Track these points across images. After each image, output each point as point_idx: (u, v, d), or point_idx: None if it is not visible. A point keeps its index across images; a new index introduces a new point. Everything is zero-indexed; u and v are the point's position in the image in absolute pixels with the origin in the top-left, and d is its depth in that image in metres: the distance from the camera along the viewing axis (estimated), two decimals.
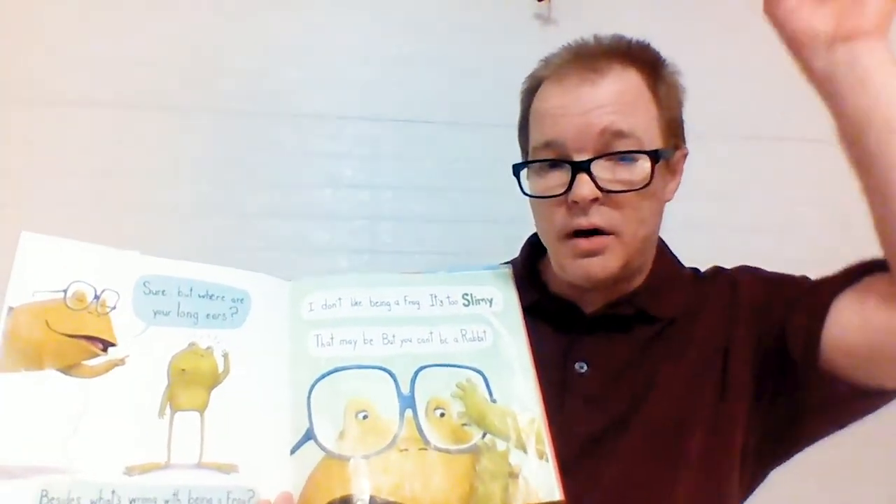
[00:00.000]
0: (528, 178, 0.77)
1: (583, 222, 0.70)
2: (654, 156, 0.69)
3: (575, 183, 0.69)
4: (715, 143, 1.71)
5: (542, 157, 0.73)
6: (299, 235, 1.65)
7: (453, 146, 1.68)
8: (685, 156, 0.77)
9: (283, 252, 1.64)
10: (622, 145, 0.69)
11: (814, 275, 0.74)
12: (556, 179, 0.71)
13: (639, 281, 0.78)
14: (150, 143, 1.60)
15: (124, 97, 1.59)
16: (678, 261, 0.84)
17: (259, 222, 1.63)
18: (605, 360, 0.75)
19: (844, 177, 0.63)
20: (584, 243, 0.71)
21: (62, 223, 1.54)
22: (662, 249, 0.83)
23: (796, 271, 0.76)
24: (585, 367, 0.75)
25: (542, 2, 1.70)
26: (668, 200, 0.76)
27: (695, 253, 0.85)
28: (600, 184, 0.68)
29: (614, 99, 0.69)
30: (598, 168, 0.69)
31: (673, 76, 0.76)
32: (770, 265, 1.86)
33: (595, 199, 0.69)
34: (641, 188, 0.68)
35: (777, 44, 0.62)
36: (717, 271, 0.82)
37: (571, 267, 0.73)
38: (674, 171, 0.76)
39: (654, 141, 0.71)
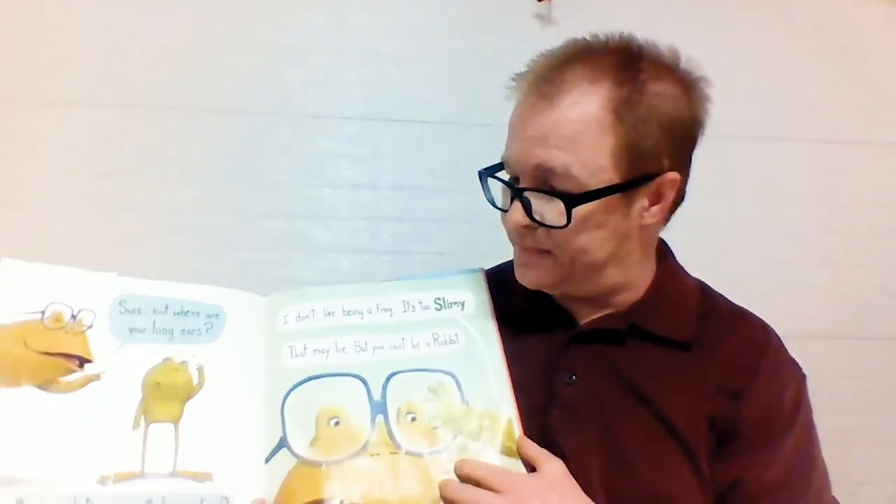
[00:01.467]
0: None
1: (518, 242, 0.73)
2: (571, 202, 0.66)
3: (510, 208, 0.70)
4: (713, 142, 1.71)
5: (499, 173, 0.75)
6: (299, 235, 1.65)
7: (453, 146, 1.68)
8: (674, 181, 0.70)
9: (283, 252, 1.64)
10: (554, 181, 0.67)
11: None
12: (505, 196, 0.73)
13: (636, 294, 0.76)
14: (150, 143, 1.60)
15: (124, 97, 1.59)
16: (685, 273, 0.81)
17: (259, 222, 1.64)
18: (594, 372, 0.73)
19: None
20: (523, 254, 0.73)
21: (62, 223, 1.55)
22: (666, 260, 0.80)
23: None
24: (574, 378, 0.73)
25: (542, 2, 1.70)
26: (649, 224, 0.72)
27: (694, 253, 0.85)
28: (532, 213, 0.68)
29: (559, 131, 0.66)
30: (534, 197, 0.68)
31: (662, 93, 0.67)
32: (769, 265, 1.86)
33: (527, 226, 0.69)
34: (561, 227, 0.67)
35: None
36: (749, 319, 0.78)
37: (517, 272, 0.75)
38: (657, 196, 0.70)
39: (603, 176, 0.66)
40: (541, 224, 0.68)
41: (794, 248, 1.78)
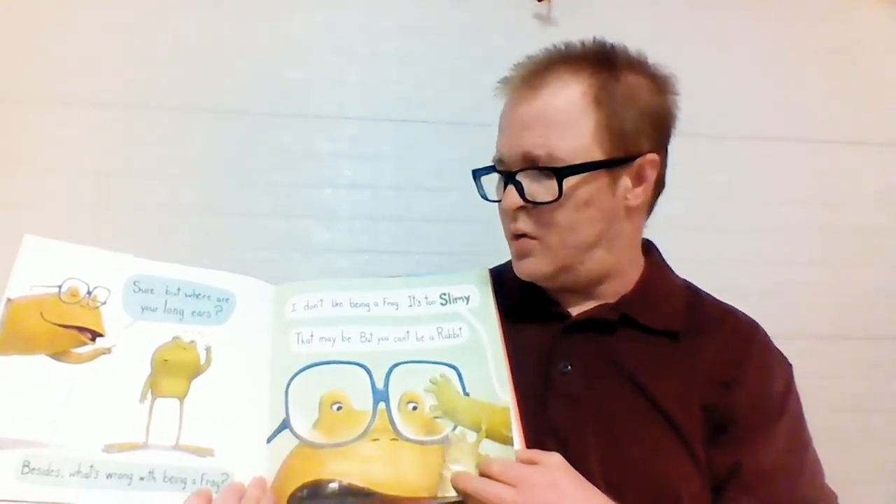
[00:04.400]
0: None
1: (513, 227, 0.77)
2: (560, 173, 0.71)
3: (505, 193, 0.76)
4: (712, 142, 1.71)
5: (494, 166, 0.79)
6: (299, 235, 1.65)
7: (453, 146, 1.68)
8: (654, 162, 0.75)
9: (283, 252, 1.64)
10: (542, 163, 0.72)
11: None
12: (499, 188, 0.79)
13: (625, 286, 0.80)
14: (150, 143, 1.60)
15: (124, 97, 1.59)
16: (671, 271, 0.85)
17: (259, 222, 1.64)
18: (588, 360, 0.76)
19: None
20: (516, 245, 0.78)
21: (63, 223, 1.55)
22: (653, 257, 0.84)
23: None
24: (569, 368, 0.76)
25: (542, 2, 1.70)
26: (634, 206, 0.77)
27: (693, 253, 0.85)
28: (525, 194, 0.74)
29: (543, 117, 0.73)
30: (526, 179, 0.74)
31: (637, 84, 0.74)
32: (769, 265, 1.86)
33: (522, 207, 0.74)
34: (551, 202, 0.72)
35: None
36: (736, 314, 0.82)
37: (515, 266, 0.79)
38: (640, 177, 0.75)
39: (587, 154, 0.72)
40: (534, 203, 0.73)
41: (794, 248, 1.78)
